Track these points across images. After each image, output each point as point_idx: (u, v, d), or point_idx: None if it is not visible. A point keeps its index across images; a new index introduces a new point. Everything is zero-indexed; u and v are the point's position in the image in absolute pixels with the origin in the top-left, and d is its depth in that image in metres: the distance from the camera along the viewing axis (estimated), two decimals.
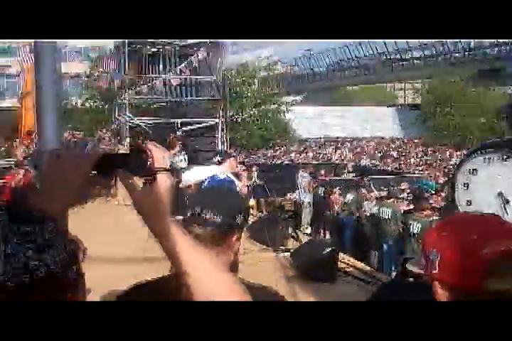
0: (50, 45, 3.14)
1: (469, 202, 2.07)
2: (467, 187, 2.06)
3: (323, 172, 17.21)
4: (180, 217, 1.77)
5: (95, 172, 1.19)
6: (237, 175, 6.69)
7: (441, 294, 1.28)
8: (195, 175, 5.87)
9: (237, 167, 6.39)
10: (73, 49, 16.11)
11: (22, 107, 17.56)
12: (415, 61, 46.62)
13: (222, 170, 5.86)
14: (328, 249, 7.66)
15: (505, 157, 1.93)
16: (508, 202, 1.94)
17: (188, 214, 1.79)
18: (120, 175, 1.18)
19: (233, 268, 1.75)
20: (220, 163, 6.02)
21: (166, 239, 1.16)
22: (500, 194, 1.95)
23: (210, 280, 1.16)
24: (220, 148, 14.73)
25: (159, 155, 1.19)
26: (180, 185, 5.78)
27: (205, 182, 5.61)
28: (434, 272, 1.27)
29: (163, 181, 1.18)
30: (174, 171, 1.27)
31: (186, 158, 9.14)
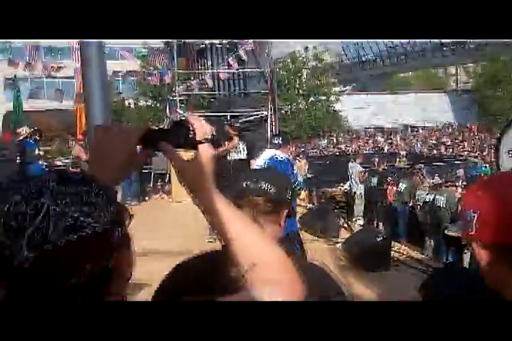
0: (96, 45, 3.24)
1: None
2: (511, 154, 2.06)
3: (376, 161, 17.03)
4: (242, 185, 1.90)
5: (141, 145, 1.24)
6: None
7: (481, 254, 1.26)
8: (259, 160, 6.02)
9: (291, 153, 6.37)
10: (123, 47, 16.36)
11: (77, 108, 18.01)
12: (465, 45, 45.35)
13: (280, 153, 5.98)
14: (381, 237, 7.65)
15: None
16: None
17: (245, 184, 1.90)
18: (164, 148, 1.22)
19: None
20: (279, 145, 6.12)
21: (211, 209, 1.19)
22: None
23: (257, 249, 1.17)
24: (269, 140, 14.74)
25: (200, 128, 1.23)
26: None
27: (265, 162, 5.79)
28: (471, 233, 1.26)
29: (205, 152, 1.22)
30: (216, 142, 1.35)
31: (245, 148, 9.23)
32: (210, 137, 1.24)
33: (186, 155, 1.24)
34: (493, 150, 13.87)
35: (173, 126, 1.26)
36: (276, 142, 6.19)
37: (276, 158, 5.81)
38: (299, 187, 6.52)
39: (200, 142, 1.23)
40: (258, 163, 5.99)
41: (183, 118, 1.34)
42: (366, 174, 15.35)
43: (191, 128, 1.23)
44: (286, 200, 1.93)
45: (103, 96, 3.30)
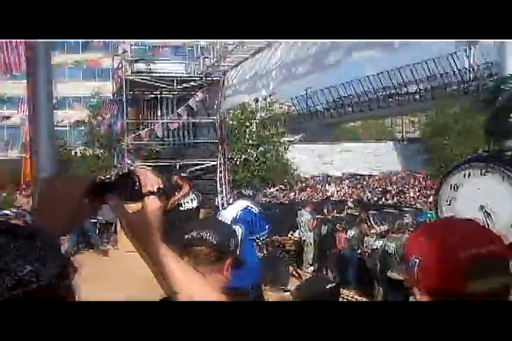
0: (45, 94, 3.22)
1: None
2: (450, 203, 2.13)
3: (325, 210, 17.14)
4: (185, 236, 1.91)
5: (87, 197, 1.22)
6: None
7: (422, 299, 1.26)
8: (230, 213, 6.08)
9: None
10: (72, 97, 16.34)
11: (23, 157, 17.70)
12: (411, 96, 46.91)
13: (252, 204, 6.22)
14: (330, 285, 7.64)
15: (483, 171, 2.01)
16: (489, 215, 2.00)
17: (190, 234, 1.93)
18: (110, 201, 1.22)
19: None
20: (251, 196, 6.51)
21: (156, 261, 1.19)
22: (482, 207, 2.01)
23: (202, 298, 1.18)
24: (220, 189, 14.76)
25: (147, 180, 1.23)
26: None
27: (238, 213, 5.98)
28: (413, 278, 1.26)
29: (152, 205, 1.22)
30: (163, 194, 1.31)
31: (196, 197, 9.18)
32: (156, 189, 1.24)
33: (132, 208, 1.23)
34: (433, 199, 14.04)
35: (119, 178, 1.26)
36: (246, 193, 6.52)
37: (250, 208, 6.04)
38: (265, 235, 6.61)
39: (147, 194, 1.23)
40: (230, 213, 6.05)
41: (130, 169, 1.36)
42: (316, 222, 15.41)
43: (137, 181, 1.23)
44: (229, 249, 1.96)
45: (50, 146, 3.26)
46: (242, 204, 6.12)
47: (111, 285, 8.45)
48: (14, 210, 14.32)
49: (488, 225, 2.04)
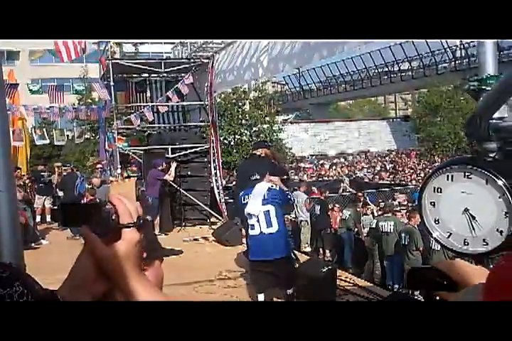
0: None
1: (437, 221, 2.06)
2: (434, 205, 2.05)
3: (315, 189, 17.16)
4: None
5: (62, 223, 1.15)
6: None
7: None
8: (258, 199, 6.59)
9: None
10: (60, 80, 16.10)
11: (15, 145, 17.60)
12: (403, 73, 46.90)
13: (271, 184, 6.76)
14: (326, 267, 7.61)
15: (467, 174, 1.93)
16: (473, 218, 1.93)
17: None
18: (84, 234, 1.11)
19: None
20: (260, 179, 7.02)
21: (134, 295, 1.10)
22: (466, 210, 1.94)
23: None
24: (213, 172, 14.70)
25: (124, 210, 1.12)
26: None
27: (266, 194, 6.58)
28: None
29: (129, 238, 1.11)
30: (142, 226, 1.19)
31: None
32: (135, 220, 1.12)
33: (108, 241, 1.11)
34: (415, 202, 14.12)
35: (93, 207, 1.12)
36: (253, 178, 7.31)
37: (272, 187, 6.64)
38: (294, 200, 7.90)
39: (124, 227, 1.11)
40: (257, 199, 6.54)
41: (105, 199, 1.23)
42: (310, 202, 15.42)
43: (114, 211, 1.11)
44: None
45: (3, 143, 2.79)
46: (263, 186, 6.69)
47: None
48: None
49: (473, 228, 1.97)
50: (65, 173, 15.39)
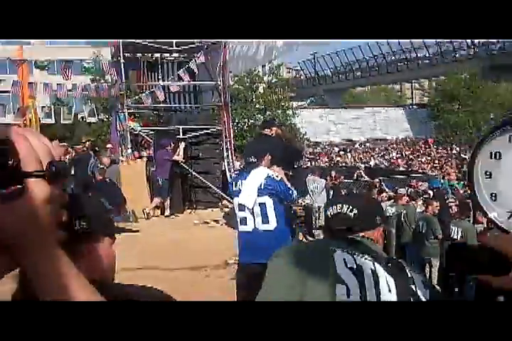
0: None
1: (494, 196, 1.56)
2: (490, 175, 1.57)
3: (333, 174, 16.79)
4: None
5: None
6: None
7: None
8: (252, 186, 5.17)
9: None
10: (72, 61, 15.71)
11: (22, 122, 17.37)
12: (420, 60, 46.27)
13: (271, 171, 5.29)
14: None
15: None
16: None
17: None
18: None
19: None
20: (258, 162, 5.35)
21: (45, 266, 0.80)
22: None
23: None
24: (225, 155, 14.38)
25: (28, 152, 0.75)
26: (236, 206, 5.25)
27: (262, 183, 5.12)
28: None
29: (34, 193, 0.75)
30: (56, 176, 0.77)
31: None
32: (46, 167, 0.77)
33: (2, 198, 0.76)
34: (464, 170, 13.77)
35: None
36: (251, 160, 5.44)
37: (271, 176, 5.19)
38: (297, 198, 5.73)
39: (27, 176, 0.75)
40: (252, 186, 5.16)
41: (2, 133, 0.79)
42: (326, 187, 15.08)
43: (12, 153, 0.75)
44: None
45: None
46: (261, 172, 5.25)
47: None
48: None
49: None
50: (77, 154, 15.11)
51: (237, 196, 5.23)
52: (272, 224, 5.09)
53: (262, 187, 5.11)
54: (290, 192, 5.27)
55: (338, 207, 2.17)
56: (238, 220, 5.25)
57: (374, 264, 2.00)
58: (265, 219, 5.09)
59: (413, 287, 1.96)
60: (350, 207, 2.13)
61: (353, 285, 1.92)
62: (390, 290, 1.95)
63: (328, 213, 2.26)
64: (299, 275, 1.95)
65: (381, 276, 1.97)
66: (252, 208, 5.11)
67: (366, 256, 2.01)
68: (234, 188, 5.34)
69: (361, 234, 2.12)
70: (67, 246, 1.23)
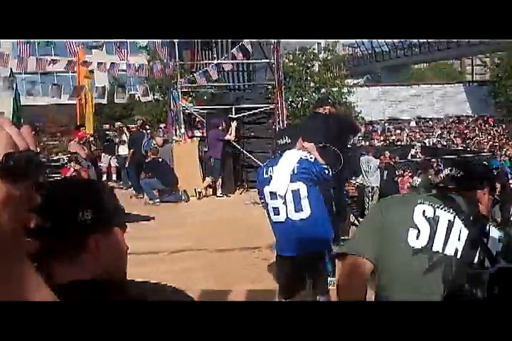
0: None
1: None
2: None
3: (388, 154, 16.45)
4: None
5: None
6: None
7: None
8: (285, 171, 4.83)
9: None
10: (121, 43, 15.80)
11: (78, 102, 17.69)
12: None
13: (303, 153, 4.93)
14: None
15: None
16: None
17: None
18: None
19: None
20: (290, 144, 4.99)
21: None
22: None
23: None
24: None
25: None
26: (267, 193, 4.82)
27: (295, 167, 4.78)
28: None
29: None
30: (15, 169, 0.67)
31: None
32: (1, 161, 0.66)
33: None
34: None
35: None
36: (283, 142, 5.03)
37: (305, 158, 4.83)
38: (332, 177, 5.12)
39: None
40: (285, 172, 4.81)
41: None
42: (380, 167, 14.80)
43: None
44: None
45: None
46: (294, 155, 4.90)
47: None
48: (67, 156, 14.35)
49: None
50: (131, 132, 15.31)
51: (268, 185, 4.85)
52: (306, 212, 4.74)
53: (295, 171, 4.77)
54: (326, 171, 4.88)
55: (449, 169, 2.55)
56: (271, 210, 4.90)
57: (455, 217, 2.26)
58: (298, 207, 4.74)
59: (485, 241, 2.19)
60: (458, 170, 2.50)
61: (425, 230, 2.22)
62: (459, 239, 2.20)
63: (442, 174, 2.64)
64: (385, 219, 2.34)
65: (456, 226, 2.23)
66: (284, 195, 4.75)
67: (449, 209, 2.29)
68: (265, 176, 4.94)
69: (466, 192, 2.42)
70: (69, 239, 1.15)
